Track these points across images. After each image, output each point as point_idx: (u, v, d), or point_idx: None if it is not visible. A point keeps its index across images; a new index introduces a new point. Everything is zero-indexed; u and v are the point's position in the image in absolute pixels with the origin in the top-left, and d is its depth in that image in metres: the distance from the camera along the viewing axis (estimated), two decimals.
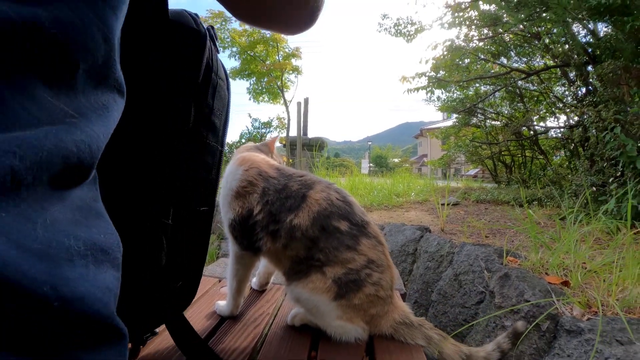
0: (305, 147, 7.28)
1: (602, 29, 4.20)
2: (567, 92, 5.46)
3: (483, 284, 1.46)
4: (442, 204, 4.06)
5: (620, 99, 2.69)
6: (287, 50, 6.24)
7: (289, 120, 6.19)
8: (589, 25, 4.26)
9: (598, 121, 3.26)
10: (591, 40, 4.31)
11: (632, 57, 3.10)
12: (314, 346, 1.08)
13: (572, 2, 3.45)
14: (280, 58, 6.04)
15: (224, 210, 1.23)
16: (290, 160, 6.16)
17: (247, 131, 8.56)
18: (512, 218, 3.06)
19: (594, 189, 2.70)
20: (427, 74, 6.08)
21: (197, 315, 1.28)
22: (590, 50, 4.16)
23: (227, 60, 6.70)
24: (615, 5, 3.02)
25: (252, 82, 6.95)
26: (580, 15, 3.78)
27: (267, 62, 6.27)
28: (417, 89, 6.18)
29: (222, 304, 1.30)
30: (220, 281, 1.67)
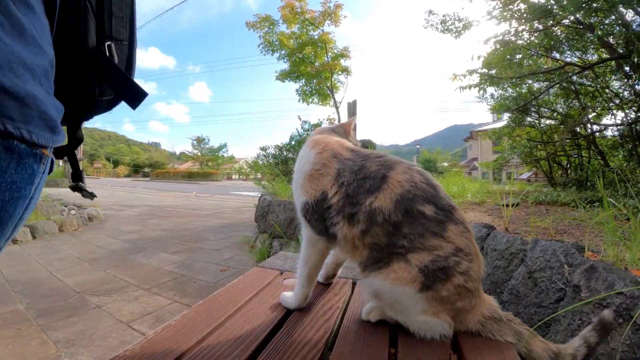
0: None
1: None
2: (623, 87, 5.16)
3: (562, 280, 1.38)
4: (503, 205, 3.95)
5: None
6: (335, 51, 6.23)
7: (339, 121, 6.19)
8: None
9: None
10: None
11: None
12: (392, 343, 1.01)
13: None
14: (329, 59, 6.03)
15: (297, 194, 1.20)
16: None
17: (297, 133, 8.64)
18: (577, 218, 2.92)
19: None
20: (479, 71, 5.91)
21: (261, 307, 1.25)
22: None
23: (276, 62, 6.88)
24: None
25: (301, 84, 6.99)
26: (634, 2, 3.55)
27: (316, 64, 6.29)
28: (470, 87, 6.02)
29: (289, 295, 1.27)
30: (282, 274, 1.65)
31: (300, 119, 8.73)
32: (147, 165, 68.01)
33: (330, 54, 6.30)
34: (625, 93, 5.02)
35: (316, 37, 6.23)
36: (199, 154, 51.18)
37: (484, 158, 38.78)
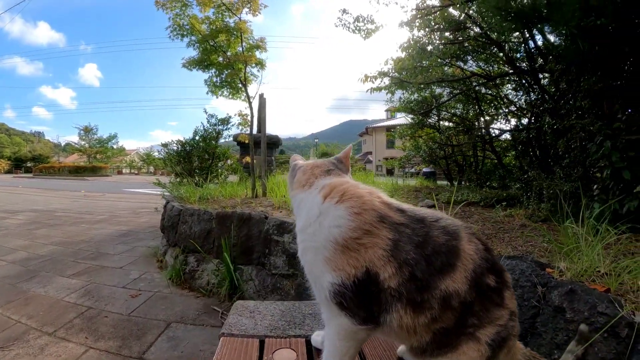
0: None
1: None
2: (520, 97, 5.78)
3: (536, 298, 1.48)
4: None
5: (602, 114, 2.86)
6: (251, 41, 5.96)
7: (252, 117, 5.97)
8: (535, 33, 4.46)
9: (559, 127, 3.52)
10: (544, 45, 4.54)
11: (576, 60, 3.24)
12: None
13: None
14: (243, 49, 5.74)
15: (319, 270, 0.94)
16: (255, 161, 5.98)
17: (202, 128, 8.13)
18: (498, 222, 3.18)
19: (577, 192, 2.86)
20: (390, 74, 6.17)
21: None
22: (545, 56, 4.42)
23: (185, 49, 6.31)
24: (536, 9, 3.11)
25: (211, 75, 6.55)
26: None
27: (229, 54, 5.96)
28: (380, 89, 6.26)
29: None
30: (263, 343, 1.28)
31: (206, 112, 8.22)
32: (29, 158, 59.12)
33: (245, 44, 6.01)
34: (521, 102, 5.61)
35: (232, 24, 5.89)
36: (87, 145, 46.20)
37: (378, 152, 41.21)
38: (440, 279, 0.85)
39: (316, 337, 1.23)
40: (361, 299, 0.88)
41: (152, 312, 3.40)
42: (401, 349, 1.08)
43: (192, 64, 6.38)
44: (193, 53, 6.33)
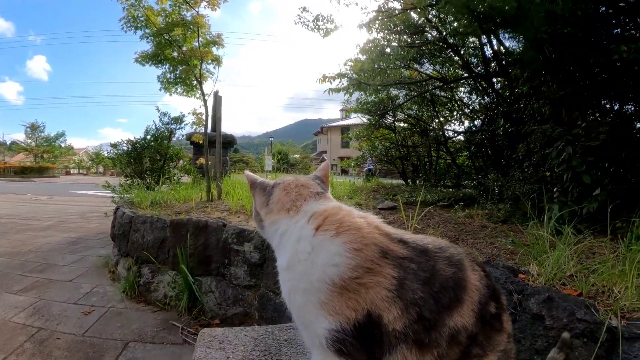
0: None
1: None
2: (474, 100, 5.96)
3: (511, 305, 1.49)
4: (381, 209, 4.18)
5: (561, 120, 2.96)
6: (208, 37, 5.73)
7: (207, 115, 5.75)
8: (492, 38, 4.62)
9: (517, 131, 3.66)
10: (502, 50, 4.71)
11: (540, 67, 3.38)
12: None
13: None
14: (199, 45, 5.50)
15: (312, 315, 0.82)
16: (209, 162, 5.80)
17: (154, 127, 7.77)
18: (460, 223, 3.23)
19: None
20: (349, 76, 6.18)
21: None
22: (503, 61, 4.59)
23: (138, 43, 5.89)
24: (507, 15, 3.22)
25: (164, 71, 6.22)
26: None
27: (184, 49, 5.69)
28: (338, 90, 6.26)
29: None
30: None
31: (158, 111, 7.87)
32: None
33: (202, 39, 5.79)
34: (475, 104, 5.78)
35: (189, 18, 5.65)
36: (34, 144, 43.11)
37: (333, 152, 41.54)
38: (449, 315, 0.79)
39: None
40: (362, 343, 0.79)
41: (108, 330, 3.17)
42: None
43: (145, 58, 6.07)
44: (147, 47, 6.03)
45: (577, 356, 1.26)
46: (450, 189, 5.48)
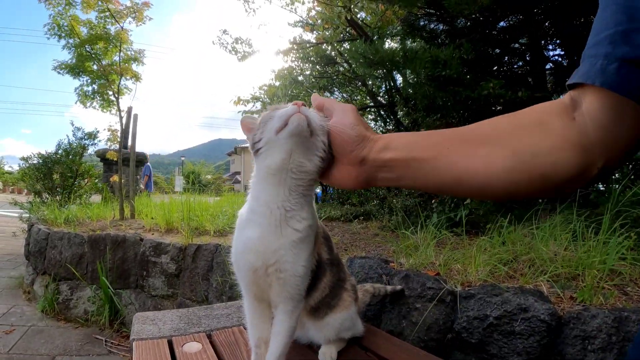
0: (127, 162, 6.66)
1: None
2: (378, 127, 6.65)
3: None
4: None
5: None
6: (129, 53, 5.71)
7: (122, 132, 5.73)
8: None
9: None
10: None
11: (425, 102, 4.02)
12: None
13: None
14: (120, 59, 5.47)
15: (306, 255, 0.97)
16: (123, 180, 5.78)
17: (67, 141, 7.48)
18: (356, 233, 3.70)
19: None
20: (262, 99, 6.53)
21: None
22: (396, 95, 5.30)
23: (61, 52, 5.64)
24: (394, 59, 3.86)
25: (82, 83, 6.01)
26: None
27: (104, 62, 5.63)
28: (252, 113, 6.59)
29: None
30: (171, 342, 1.39)
31: (72, 125, 7.61)
32: None
33: (123, 54, 5.80)
34: (379, 131, 6.46)
35: (113, 32, 5.64)
36: None
37: (247, 173, 41.19)
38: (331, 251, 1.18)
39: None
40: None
41: (33, 347, 3.17)
42: (323, 351, 1.25)
43: (64, 68, 5.91)
44: (67, 56, 5.86)
45: (431, 315, 1.73)
46: (355, 207, 6.02)
